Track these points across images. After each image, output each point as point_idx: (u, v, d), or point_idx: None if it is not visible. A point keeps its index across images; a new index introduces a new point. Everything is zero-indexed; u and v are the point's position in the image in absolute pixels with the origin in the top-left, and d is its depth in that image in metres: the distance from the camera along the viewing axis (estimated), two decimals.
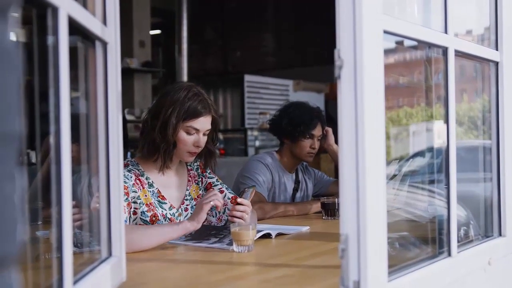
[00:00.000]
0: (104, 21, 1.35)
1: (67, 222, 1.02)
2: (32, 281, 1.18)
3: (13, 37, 0.57)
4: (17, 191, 0.58)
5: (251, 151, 7.40)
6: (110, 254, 1.38)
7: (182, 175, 2.37)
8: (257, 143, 7.59)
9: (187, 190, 2.36)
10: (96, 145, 1.37)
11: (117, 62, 1.39)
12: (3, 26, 0.55)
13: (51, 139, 1.01)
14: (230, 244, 1.92)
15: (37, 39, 1.05)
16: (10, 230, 0.56)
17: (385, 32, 1.25)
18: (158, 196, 2.24)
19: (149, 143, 2.21)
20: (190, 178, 2.39)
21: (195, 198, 2.37)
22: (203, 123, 2.22)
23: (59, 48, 1.01)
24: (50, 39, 1.02)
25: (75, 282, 1.10)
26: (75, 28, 1.11)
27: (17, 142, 0.58)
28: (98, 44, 1.34)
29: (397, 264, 1.35)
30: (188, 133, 2.20)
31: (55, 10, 0.99)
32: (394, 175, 2.29)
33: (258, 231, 2.05)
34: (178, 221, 2.25)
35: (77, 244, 1.38)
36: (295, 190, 3.15)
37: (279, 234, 2.20)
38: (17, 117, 0.57)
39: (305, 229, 2.36)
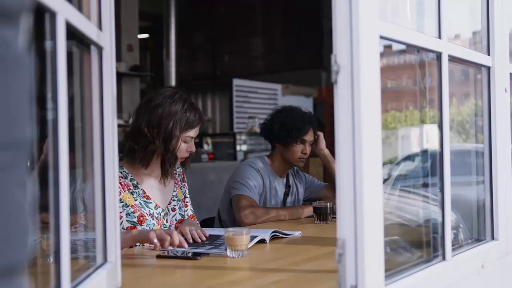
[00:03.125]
0: (100, 26, 1.35)
1: (65, 228, 1.01)
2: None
3: (24, 42, 0.57)
4: (27, 197, 0.57)
5: (240, 155, 7.39)
6: (105, 260, 1.37)
7: (167, 180, 2.43)
8: (246, 147, 7.57)
9: (174, 191, 2.44)
10: (90, 149, 1.37)
11: (112, 67, 1.39)
12: (15, 32, 0.55)
13: (49, 144, 1.01)
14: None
15: (34, 43, 1.04)
16: (22, 236, 0.56)
17: (381, 37, 1.26)
18: (144, 197, 2.30)
19: (150, 154, 2.27)
20: (176, 181, 2.48)
21: (181, 200, 2.46)
22: (197, 130, 2.36)
23: (57, 53, 1.00)
24: (47, 44, 1.01)
25: None
26: (71, 32, 1.11)
27: (27, 148, 0.57)
28: (93, 49, 1.33)
29: (393, 268, 1.35)
30: (185, 142, 2.31)
31: (53, 15, 0.99)
32: (385, 180, 2.30)
33: (253, 237, 2.05)
34: (165, 220, 2.34)
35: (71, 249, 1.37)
36: (286, 194, 3.15)
37: (273, 237, 2.20)
38: (28, 124, 0.57)
39: (297, 233, 2.37)
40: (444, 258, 1.53)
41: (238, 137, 7.54)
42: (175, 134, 2.26)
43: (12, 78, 0.54)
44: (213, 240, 2.14)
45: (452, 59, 1.60)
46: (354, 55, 1.17)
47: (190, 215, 2.47)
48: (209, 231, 2.28)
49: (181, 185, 2.51)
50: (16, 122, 0.55)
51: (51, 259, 1.08)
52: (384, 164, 2.30)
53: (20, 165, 0.56)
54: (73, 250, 1.40)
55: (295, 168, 3.22)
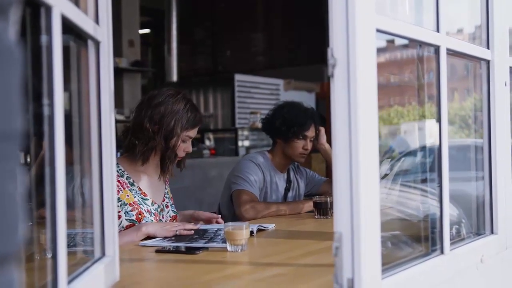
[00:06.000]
0: (97, 20, 1.35)
1: (61, 223, 1.01)
2: (26, 281, 1.17)
3: (14, 35, 0.57)
4: (18, 188, 0.58)
5: (242, 151, 7.39)
6: (103, 254, 1.37)
7: (165, 177, 2.47)
8: (248, 143, 7.57)
9: (166, 189, 2.49)
10: (88, 145, 1.37)
11: (109, 62, 1.39)
12: (4, 25, 0.55)
13: (44, 140, 1.01)
14: (224, 242, 1.92)
15: (30, 38, 1.04)
16: (13, 227, 0.56)
17: (378, 30, 1.25)
18: (141, 193, 2.33)
19: (150, 150, 2.30)
20: (166, 180, 2.52)
21: (171, 198, 2.51)
22: (196, 131, 2.40)
23: (53, 47, 1.00)
24: (43, 38, 1.01)
25: (69, 282, 1.10)
26: (67, 27, 1.11)
27: (18, 140, 0.58)
28: (90, 44, 1.33)
29: (390, 262, 1.35)
30: (183, 141, 2.35)
31: (48, 9, 0.99)
32: (386, 174, 2.30)
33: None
34: (161, 216, 2.39)
35: (69, 244, 1.37)
36: (287, 189, 3.15)
37: (259, 230, 2.26)
38: (19, 116, 0.57)
39: (271, 226, 2.40)
40: (442, 252, 1.53)
41: (240, 132, 7.54)
42: (176, 132, 2.29)
43: (2, 70, 0.55)
44: (203, 234, 2.15)
45: (451, 52, 1.60)
46: (351, 49, 1.17)
47: (172, 216, 2.49)
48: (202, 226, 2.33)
49: (169, 184, 2.56)
50: (6, 114, 0.56)
51: (51, 254, 1.08)
52: (386, 159, 2.30)
53: (11, 156, 0.57)
54: (74, 244, 1.40)
55: (296, 163, 3.22)
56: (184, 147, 2.36)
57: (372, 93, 1.22)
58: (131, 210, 2.25)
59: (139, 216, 2.26)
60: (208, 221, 2.45)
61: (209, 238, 2.08)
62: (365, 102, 1.18)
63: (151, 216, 2.30)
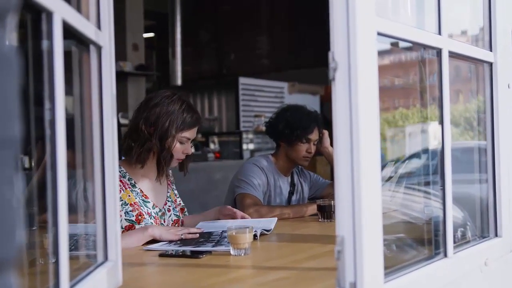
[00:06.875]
0: (98, 25, 1.35)
1: (63, 227, 1.02)
2: (28, 286, 1.18)
3: (11, 41, 0.57)
4: (16, 195, 0.58)
5: (246, 154, 7.39)
6: (106, 258, 1.38)
7: (162, 179, 2.47)
8: (253, 146, 7.57)
9: (168, 192, 2.49)
10: (90, 150, 1.37)
11: (111, 66, 1.39)
12: (1, 31, 0.55)
13: (47, 144, 1.01)
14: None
15: (31, 43, 1.04)
16: (10, 233, 0.56)
17: (379, 34, 1.25)
18: (142, 196, 2.33)
19: (146, 151, 2.29)
20: (169, 183, 2.53)
21: (174, 201, 2.51)
22: (195, 132, 2.38)
23: (54, 53, 1.01)
24: (44, 44, 1.01)
25: (72, 286, 1.10)
26: (69, 32, 1.11)
27: (16, 146, 0.58)
28: (92, 48, 1.34)
29: (393, 265, 1.35)
30: (181, 142, 2.34)
31: (49, 14, 0.99)
32: (390, 177, 2.29)
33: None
34: (162, 220, 2.39)
35: (71, 247, 1.38)
36: (291, 193, 3.15)
37: (262, 234, 2.25)
38: (16, 122, 0.58)
39: (273, 223, 2.40)
40: (445, 255, 1.52)
41: (244, 135, 7.54)
42: (171, 132, 2.28)
43: (0, 76, 0.55)
44: (208, 238, 2.15)
45: (453, 55, 1.60)
46: (351, 52, 1.17)
47: (181, 209, 2.53)
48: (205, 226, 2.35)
49: (173, 187, 2.56)
50: (3, 121, 0.56)
51: (54, 258, 1.08)
52: (391, 161, 2.29)
53: (8, 162, 0.57)
54: (76, 247, 1.41)
55: (300, 166, 3.22)
56: (182, 149, 2.34)
57: (373, 96, 1.21)
58: (131, 211, 2.25)
59: (139, 218, 2.26)
60: (232, 217, 2.47)
61: (215, 241, 2.07)
62: (366, 105, 1.18)
63: (151, 218, 2.30)
